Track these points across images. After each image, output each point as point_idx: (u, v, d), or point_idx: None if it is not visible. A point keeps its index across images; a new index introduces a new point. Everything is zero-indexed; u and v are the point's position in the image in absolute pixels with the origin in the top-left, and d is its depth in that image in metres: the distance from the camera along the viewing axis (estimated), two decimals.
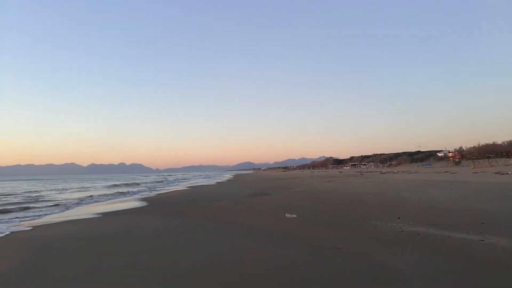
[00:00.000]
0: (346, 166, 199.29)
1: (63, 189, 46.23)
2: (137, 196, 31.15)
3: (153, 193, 34.07)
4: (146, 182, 66.30)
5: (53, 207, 22.14)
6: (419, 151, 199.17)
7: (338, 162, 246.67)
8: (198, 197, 26.33)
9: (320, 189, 28.58)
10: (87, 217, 16.61)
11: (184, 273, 6.62)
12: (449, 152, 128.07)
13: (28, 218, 16.79)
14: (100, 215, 16.99)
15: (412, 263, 6.84)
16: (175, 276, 6.47)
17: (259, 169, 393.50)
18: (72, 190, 43.00)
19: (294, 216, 13.29)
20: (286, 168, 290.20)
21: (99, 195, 32.94)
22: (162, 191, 37.28)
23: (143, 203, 22.91)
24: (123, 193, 35.30)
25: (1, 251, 9.55)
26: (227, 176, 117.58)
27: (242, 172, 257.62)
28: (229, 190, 33.90)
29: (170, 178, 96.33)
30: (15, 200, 28.05)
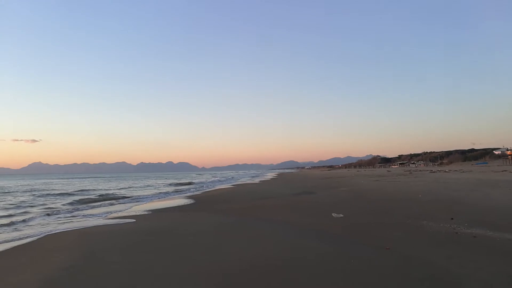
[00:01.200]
0: (394, 165, 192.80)
1: (129, 187, 48.69)
2: (185, 194, 32.03)
3: (200, 191, 34.85)
4: (193, 181, 67.95)
5: (117, 205, 23.40)
6: (473, 148, 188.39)
7: (386, 161, 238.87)
8: (242, 195, 26.60)
9: (367, 188, 27.88)
10: (137, 213, 17.36)
11: (232, 271, 6.73)
12: (507, 150, 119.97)
13: (115, 211, 17.89)
14: (150, 212, 17.71)
15: (469, 266, 6.51)
16: (223, 273, 6.60)
17: (303, 167, 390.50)
18: (132, 188, 45.01)
19: (341, 215, 13.08)
20: (331, 167, 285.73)
21: (153, 194, 34.27)
22: (208, 189, 38.05)
23: (191, 201, 23.53)
24: (176, 191, 36.45)
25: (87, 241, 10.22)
26: (271, 174, 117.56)
27: (286, 170, 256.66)
28: (273, 189, 33.94)
29: (216, 177, 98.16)
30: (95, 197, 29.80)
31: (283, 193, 26.77)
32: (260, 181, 58.59)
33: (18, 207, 21.92)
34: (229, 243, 9.34)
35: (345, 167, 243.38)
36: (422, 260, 7.01)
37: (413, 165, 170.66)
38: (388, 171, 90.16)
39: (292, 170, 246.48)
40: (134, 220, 14.69)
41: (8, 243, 10.66)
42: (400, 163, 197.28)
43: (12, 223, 14.83)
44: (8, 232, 12.69)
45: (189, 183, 54.77)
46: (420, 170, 76.06)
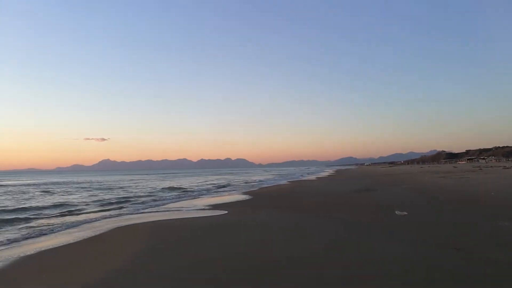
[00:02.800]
0: (461, 161, 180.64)
1: (191, 183, 50.80)
2: (243, 190, 32.56)
3: (257, 188, 35.23)
4: (250, 177, 68.82)
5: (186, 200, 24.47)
6: None
7: (452, 156, 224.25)
8: (300, 192, 26.45)
9: (432, 186, 26.41)
10: (197, 208, 17.97)
11: (283, 265, 6.70)
12: None
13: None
14: (211, 207, 18.24)
15: None
16: (277, 266, 6.60)
17: (363, 164, 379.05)
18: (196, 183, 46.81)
19: (405, 213, 12.50)
20: (392, 163, 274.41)
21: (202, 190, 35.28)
22: (265, 186, 38.35)
23: (248, 196, 23.87)
24: (234, 187, 37.25)
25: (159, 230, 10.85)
26: (329, 171, 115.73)
27: (344, 167, 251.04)
28: (331, 185, 33.36)
29: (272, 173, 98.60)
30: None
31: (341, 190, 26.21)
32: (317, 177, 57.87)
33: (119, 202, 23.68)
34: (289, 238, 9.34)
35: (407, 163, 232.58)
36: (497, 262, 6.49)
37: (483, 161, 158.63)
38: (455, 167, 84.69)
39: (351, 167, 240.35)
40: (197, 216, 15.22)
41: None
42: (467, 159, 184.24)
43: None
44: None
45: (246, 180, 55.56)
46: (491, 166, 70.53)
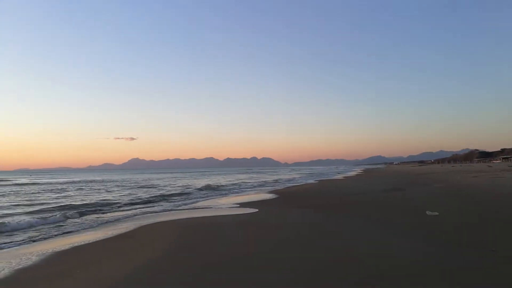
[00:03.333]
0: (496, 160, 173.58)
1: (217, 181, 51.46)
2: (269, 188, 32.62)
3: (283, 186, 35.18)
4: (276, 176, 68.84)
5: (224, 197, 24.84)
6: None
7: (486, 155, 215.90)
8: (326, 191, 26.23)
9: (464, 185, 25.56)
10: (226, 206, 18.18)
11: (314, 266, 6.67)
12: None
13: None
14: (238, 205, 18.39)
15: None
16: (317, 268, 6.58)
17: (391, 163, 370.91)
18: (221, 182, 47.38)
19: (436, 213, 12.17)
20: (422, 162, 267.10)
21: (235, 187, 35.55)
22: (291, 185, 38.25)
23: (274, 195, 23.88)
24: (260, 185, 37.38)
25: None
26: (357, 170, 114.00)
27: (372, 166, 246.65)
28: (359, 185, 32.87)
29: (298, 172, 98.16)
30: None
31: (370, 190, 25.79)
32: (345, 177, 57.19)
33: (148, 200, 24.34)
34: (317, 237, 9.30)
35: (438, 162, 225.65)
36: None
37: None
38: (489, 166, 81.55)
39: (379, 166, 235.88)
40: (223, 214, 15.38)
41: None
42: (503, 158, 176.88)
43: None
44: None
45: (272, 179, 55.56)
46: None
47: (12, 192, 32.26)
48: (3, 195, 28.89)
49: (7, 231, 12.19)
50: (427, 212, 12.44)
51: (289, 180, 49.73)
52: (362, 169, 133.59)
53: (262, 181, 46.81)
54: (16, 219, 14.66)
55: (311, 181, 45.74)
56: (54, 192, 32.70)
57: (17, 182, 55.82)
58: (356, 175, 65.69)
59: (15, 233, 11.97)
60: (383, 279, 5.69)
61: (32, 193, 31.29)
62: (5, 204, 21.77)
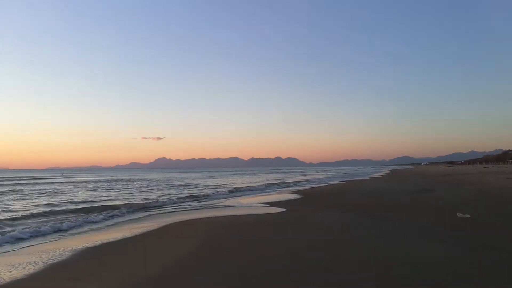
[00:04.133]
0: None
1: (243, 181, 51.84)
2: (293, 188, 32.61)
3: (308, 187, 35.08)
4: (301, 177, 68.61)
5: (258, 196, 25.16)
6: None
7: None
8: (353, 192, 25.99)
9: (498, 187, 24.78)
10: (253, 205, 18.40)
11: (358, 264, 6.72)
12: None
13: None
14: (263, 205, 18.55)
15: None
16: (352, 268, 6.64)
17: (419, 164, 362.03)
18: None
19: (467, 216, 11.91)
20: (451, 163, 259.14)
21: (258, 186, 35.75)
22: (318, 184, 38.09)
23: (298, 196, 23.89)
24: (286, 186, 37.43)
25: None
26: (383, 171, 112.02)
27: (400, 167, 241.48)
28: (386, 186, 32.38)
29: (323, 172, 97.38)
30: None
31: (397, 191, 25.40)
32: (372, 177, 56.40)
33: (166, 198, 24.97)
34: (344, 237, 9.34)
35: (469, 163, 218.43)
36: None
37: None
38: None
39: (407, 167, 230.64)
40: (248, 213, 15.57)
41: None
42: None
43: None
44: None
45: (298, 179, 55.43)
46: None
47: (56, 191, 32.81)
48: (54, 193, 29.58)
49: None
50: (457, 215, 12.20)
51: (314, 180, 49.50)
52: (389, 169, 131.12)
53: (287, 181, 46.77)
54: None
55: (337, 181, 45.39)
56: (89, 190, 33.69)
57: (57, 181, 56.62)
58: (383, 175, 64.66)
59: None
60: (412, 285, 5.69)
61: (86, 191, 32.30)
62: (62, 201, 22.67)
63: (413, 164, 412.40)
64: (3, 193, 29.28)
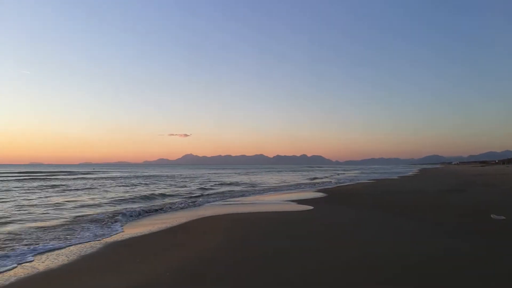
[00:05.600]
0: None
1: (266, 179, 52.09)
2: (319, 187, 32.39)
3: (334, 185, 34.75)
4: (329, 174, 68.08)
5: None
6: None
7: None
8: (380, 191, 25.54)
9: None
10: (278, 203, 18.45)
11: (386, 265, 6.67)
12: None
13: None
14: (289, 202, 18.57)
15: None
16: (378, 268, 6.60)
17: (449, 163, 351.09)
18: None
19: (502, 217, 11.50)
20: (484, 163, 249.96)
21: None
22: (346, 183, 37.68)
23: (323, 194, 23.66)
24: (312, 184, 37.28)
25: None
26: (412, 170, 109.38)
27: (429, 166, 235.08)
28: (415, 185, 31.67)
29: (351, 171, 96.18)
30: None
31: (427, 190, 24.81)
32: (400, 176, 55.27)
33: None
34: (372, 236, 9.26)
35: (503, 163, 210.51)
36: None
37: None
38: None
39: (436, 166, 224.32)
40: (275, 210, 15.63)
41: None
42: None
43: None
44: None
45: (324, 176, 55.04)
46: None
47: (99, 185, 33.64)
48: (92, 188, 30.45)
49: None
50: (492, 216, 11.80)
51: (341, 179, 48.96)
52: (418, 169, 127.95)
53: (313, 179, 46.53)
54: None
55: (365, 180, 44.71)
56: (129, 186, 34.35)
57: (96, 176, 57.37)
58: (412, 174, 63.17)
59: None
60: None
61: (132, 185, 33.83)
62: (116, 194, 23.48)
63: (443, 163, 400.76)
64: (90, 187, 30.90)
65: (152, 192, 25.25)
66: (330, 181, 42.31)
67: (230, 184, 36.50)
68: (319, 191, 26.56)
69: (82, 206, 17.21)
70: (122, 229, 11.38)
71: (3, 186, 30.77)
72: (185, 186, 32.57)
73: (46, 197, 21.70)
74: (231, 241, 9.02)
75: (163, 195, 23.15)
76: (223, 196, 23.41)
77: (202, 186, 33.02)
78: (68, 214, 14.37)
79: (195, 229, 11.28)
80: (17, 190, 27.13)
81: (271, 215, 14.15)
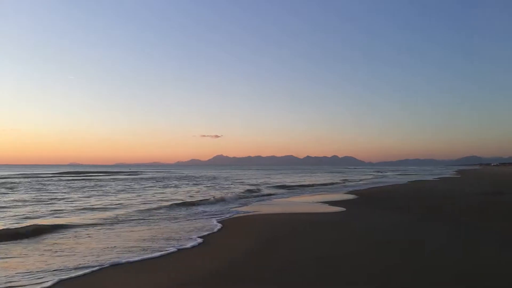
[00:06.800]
0: None
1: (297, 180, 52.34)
2: (350, 188, 32.20)
3: (366, 187, 34.33)
4: (362, 176, 67.33)
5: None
6: None
7: None
8: (416, 193, 25.15)
9: None
10: (310, 204, 18.84)
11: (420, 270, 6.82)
12: None
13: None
14: (317, 203, 18.80)
15: None
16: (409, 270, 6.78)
17: (488, 164, 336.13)
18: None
19: None
20: None
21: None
22: (379, 185, 37.16)
23: (354, 196, 23.36)
24: (343, 186, 37.21)
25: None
26: (450, 171, 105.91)
27: (467, 167, 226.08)
28: (453, 187, 30.94)
29: (385, 172, 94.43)
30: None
31: (465, 193, 24.23)
32: (437, 178, 53.84)
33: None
34: (409, 242, 9.39)
35: None
36: None
37: None
38: None
39: (475, 167, 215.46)
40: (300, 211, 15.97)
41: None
42: None
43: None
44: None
45: (358, 178, 54.55)
46: None
47: (147, 187, 34.90)
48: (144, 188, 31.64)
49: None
50: None
51: (375, 180, 48.37)
52: (455, 170, 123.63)
53: (346, 180, 46.12)
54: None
55: (400, 182, 43.98)
56: (166, 188, 35.60)
57: (142, 176, 58.84)
58: (449, 176, 61.35)
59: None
60: None
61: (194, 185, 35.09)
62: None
63: (481, 164, 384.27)
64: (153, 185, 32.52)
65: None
66: (364, 182, 41.96)
67: (265, 184, 36.86)
68: (352, 192, 26.21)
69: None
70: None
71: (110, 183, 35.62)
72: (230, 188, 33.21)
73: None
74: (267, 242, 9.35)
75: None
76: (260, 197, 23.87)
77: (243, 186, 33.51)
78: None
79: (233, 229, 11.56)
80: (130, 185, 33.81)
81: (306, 216, 14.51)
